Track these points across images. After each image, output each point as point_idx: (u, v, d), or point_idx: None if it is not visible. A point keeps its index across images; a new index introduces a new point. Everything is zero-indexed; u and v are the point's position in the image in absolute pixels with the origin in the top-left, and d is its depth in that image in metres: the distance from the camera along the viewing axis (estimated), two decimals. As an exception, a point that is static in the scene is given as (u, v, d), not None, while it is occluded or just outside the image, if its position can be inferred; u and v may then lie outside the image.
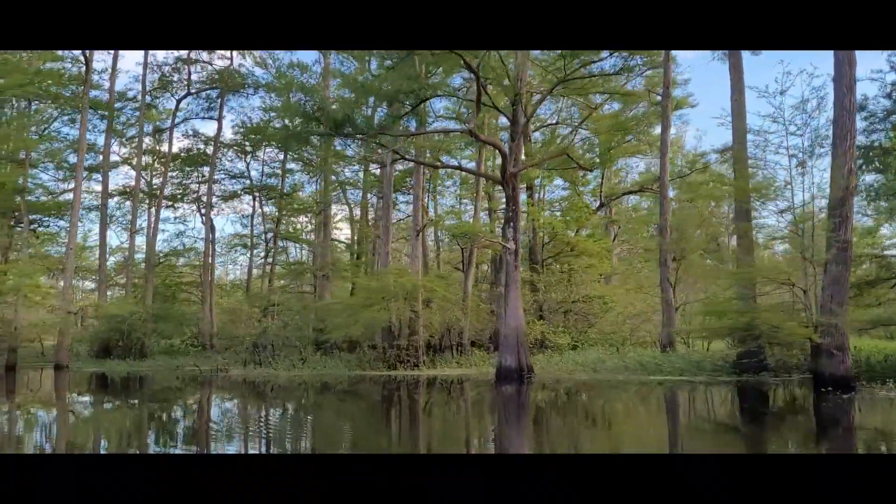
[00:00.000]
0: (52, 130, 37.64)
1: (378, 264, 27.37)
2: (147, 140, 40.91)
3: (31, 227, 35.66)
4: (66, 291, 32.10)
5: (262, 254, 42.65)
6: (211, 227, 39.02)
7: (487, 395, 18.37)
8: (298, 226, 44.90)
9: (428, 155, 26.78)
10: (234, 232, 47.63)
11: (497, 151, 23.07)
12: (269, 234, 40.44)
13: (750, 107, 24.62)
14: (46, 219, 38.47)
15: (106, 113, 35.59)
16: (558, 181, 36.76)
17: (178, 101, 37.55)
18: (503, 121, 27.35)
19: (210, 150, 39.90)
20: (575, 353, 26.90)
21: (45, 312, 43.63)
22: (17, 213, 33.68)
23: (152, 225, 37.70)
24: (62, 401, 18.76)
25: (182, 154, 40.57)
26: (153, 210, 38.63)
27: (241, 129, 40.59)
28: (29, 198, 33.56)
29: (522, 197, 34.36)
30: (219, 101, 39.14)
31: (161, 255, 40.53)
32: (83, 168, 32.90)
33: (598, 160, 22.52)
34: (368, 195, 39.32)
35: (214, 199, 41.02)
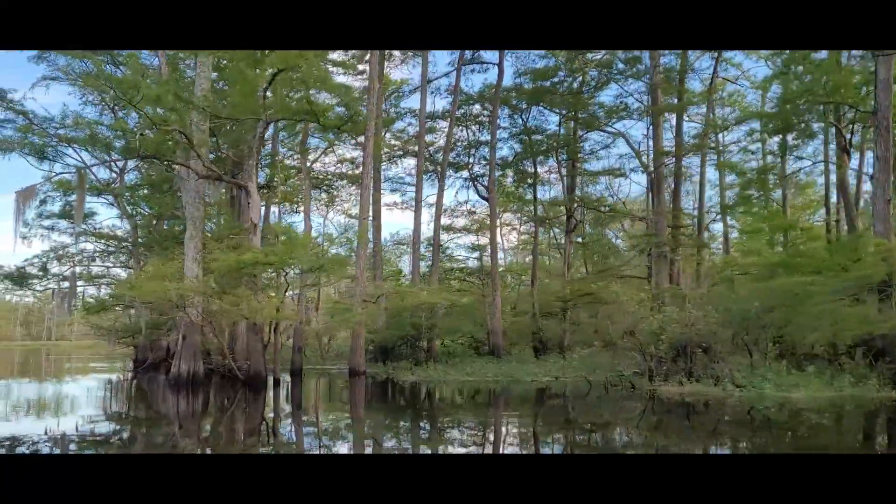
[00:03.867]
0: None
1: (873, 224, 17.52)
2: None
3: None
4: (361, 276, 25.11)
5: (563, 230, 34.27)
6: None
7: None
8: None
9: None
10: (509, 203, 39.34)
11: None
12: (575, 208, 31.81)
13: None
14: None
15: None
16: None
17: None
18: None
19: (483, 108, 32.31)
20: None
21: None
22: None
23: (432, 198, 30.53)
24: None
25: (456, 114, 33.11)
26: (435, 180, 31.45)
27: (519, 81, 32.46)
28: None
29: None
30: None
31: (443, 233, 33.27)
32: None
33: None
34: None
35: (481, 168, 33.32)
